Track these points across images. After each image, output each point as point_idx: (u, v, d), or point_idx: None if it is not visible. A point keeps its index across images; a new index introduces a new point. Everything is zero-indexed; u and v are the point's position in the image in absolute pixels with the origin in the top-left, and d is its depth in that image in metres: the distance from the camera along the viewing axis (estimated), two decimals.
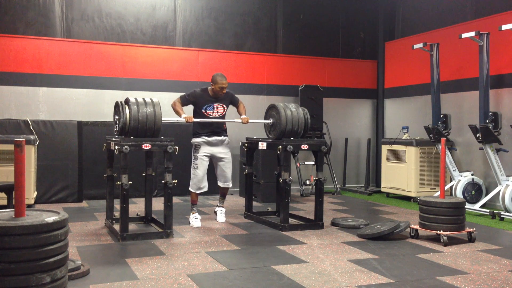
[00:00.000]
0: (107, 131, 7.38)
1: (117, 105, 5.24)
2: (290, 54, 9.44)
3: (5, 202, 5.70)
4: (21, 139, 2.76)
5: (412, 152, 7.91)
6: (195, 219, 5.83)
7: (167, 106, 7.79)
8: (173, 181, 5.12)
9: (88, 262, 4.11)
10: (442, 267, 4.16)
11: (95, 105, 8.13)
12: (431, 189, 7.91)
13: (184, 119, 5.65)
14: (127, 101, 5.14)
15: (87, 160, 7.59)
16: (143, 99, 5.20)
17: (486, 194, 7.17)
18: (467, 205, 6.49)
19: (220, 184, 6.08)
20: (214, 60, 8.83)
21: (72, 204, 7.33)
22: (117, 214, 5.40)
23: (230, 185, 6.14)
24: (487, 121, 6.73)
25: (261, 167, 7.71)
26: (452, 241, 4.98)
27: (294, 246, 4.81)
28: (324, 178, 5.84)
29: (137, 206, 6.92)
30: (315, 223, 5.70)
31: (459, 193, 7.21)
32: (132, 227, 5.45)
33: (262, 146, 5.95)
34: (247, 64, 9.13)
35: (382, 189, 8.65)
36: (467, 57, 7.72)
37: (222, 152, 5.97)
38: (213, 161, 5.99)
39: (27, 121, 7.28)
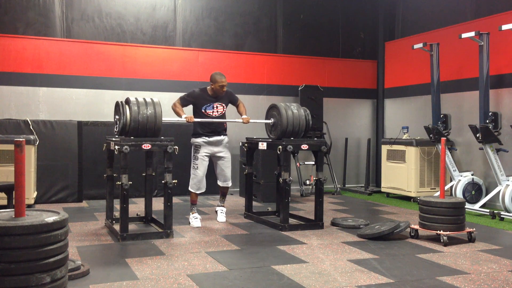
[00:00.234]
0: (107, 131, 7.38)
1: (117, 105, 5.24)
2: (290, 54, 9.44)
3: (5, 202, 5.70)
4: (21, 139, 2.76)
5: (412, 152, 7.91)
6: (195, 219, 5.82)
7: (167, 106, 7.79)
8: (173, 181, 5.12)
9: (88, 262, 4.11)
10: (442, 267, 4.16)
11: (95, 105, 8.13)
12: (431, 189, 7.91)
13: (185, 119, 5.65)
14: (127, 101, 5.13)
15: (87, 160, 7.59)
16: (144, 99, 5.20)
17: (486, 194, 7.17)
18: (467, 205, 6.49)
19: (220, 183, 6.09)
20: (214, 60, 8.83)
21: (72, 204, 7.33)
22: (117, 214, 5.40)
23: (230, 184, 6.15)
24: (487, 121, 6.73)
25: (261, 167, 7.71)
26: (452, 241, 4.98)
27: (294, 246, 4.81)
28: (324, 178, 5.84)
29: (137, 206, 6.92)
30: (315, 223, 5.70)
31: (459, 193, 7.21)
32: (132, 227, 5.45)
33: (262, 146, 5.95)
34: (247, 64, 9.13)
35: (382, 189, 8.65)
36: (467, 57, 7.71)
37: (221, 151, 5.97)
38: (213, 160, 6.00)
39: (27, 121, 7.28)
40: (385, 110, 9.84)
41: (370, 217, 6.44)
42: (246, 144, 6.34)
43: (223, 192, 6.20)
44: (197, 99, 5.86)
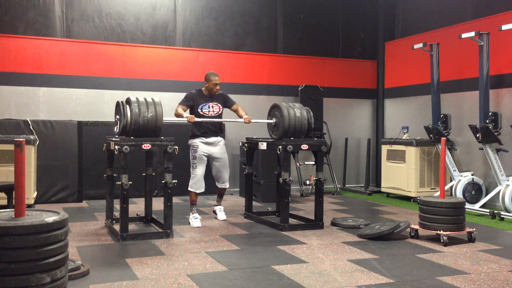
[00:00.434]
0: (107, 131, 7.37)
1: (118, 105, 5.24)
2: (290, 54, 9.44)
3: (5, 202, 5.70)
4: (21, 139, 2.76)
5: (412, 152, 7.91)
6: (195, 219, 5.83)
7: (167, 106, 7.80)
8: (173, 181, 5.12)
9: (88, 262, 4.11)
10: (442, 267, 4.16)
11: (95, 105, 8.13)
12: (431, 189, 7.91)
13: (185, 119, 5.67)
14: (128, 101, 5.13)
15: (87, 160, 7.59)
16: (145, 98, 5.20)
17: (486, 194, 7.17)
18: (467, 205, 6.49)
19: (218, 185, 6.15)
20: (214, 60, 8.83)
21: (72, 204, 7.33)
22: (117, 214, 5.40)
23: (228, 186, 6.20)
24: (487, 121, 6.73)
25: (261, 167, 7.71)
26: (452, 241, 4.98)
27: (294, 246, 4.81)
28: (324, 178, 5.84)
29: (137, 206, 6.92)
30: (315, 223, 5.70)
31: (459, 193, 7.21)
32: (132, 227, 5.45)
33: (262, 146, 5.95)
34: (247, 64, 9.13)
35: (382, 189, 8.65)
36: (467, 57, 7.71)
37: (218, 152, 6.03)
38: (209, 161, 6.04)
39: (27, 121, 7.28)
40: (385, 110, 9.84)
41: (370, 217, 6.44)
42: (246, 144, 6.34)
43: (220, 193, 6.27)
44: (194, 99, 5.95)
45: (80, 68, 8.08)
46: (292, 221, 5.85)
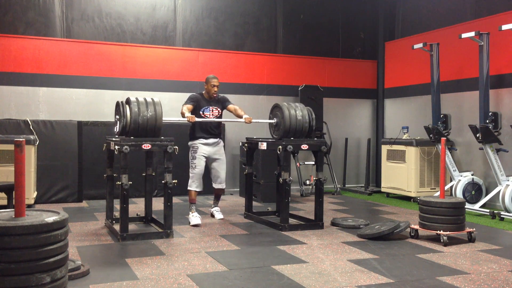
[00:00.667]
0: (107, 131, 7.38)
1: (118, 105, 5.25)
2: (290, 54, 9.44)
3: (5, 202, 5.70)
4: (21, 139, 2.76)
5: (412, 152, 7.91)
6: (194, 217, 5.87)
7: (167, 106, 7.81)
8: (173, 181, 5.13)
9: (88, 262, 4.11)
10: (442, 267, 4.16)
11: (95, 105, 8.12)
12: (431, 189, 7.91)
13: (186, 119, 5.69)
14: (128, 101, 5.14)
15: (87, 160, 7.59)
16: (144, 98, 5.21)
17: (486, 194, 7.17)
18: (467, 205, 6.49)
19: (214, 185, 6.18)
20: (214, 60, 8.83)
21: (72, 204, 7.33)
22: (117, 214, 5.40)
23: (224, 186, 6.25)
24: (487, 121, 6.73)
25: (261, 167, 7.71)
26: (452, 241, 4.98)
27: (294, 246, 4.81)
28: (324, 178, 5.84)
29: (137, 206, 6.92)
30: (315, 223, 5.70)
31: (459, 193, 7.20)
32: (132, 227, 5.45)
33: (262, 146, 5.95)
34: (247, 64, 9.13)
35: (382, 189, 8.65)
36: (467, 57, 7.71)
37: (217, 153, 6.10)
38: (208, 162, 6.10)
39: (27, 121, 7.28)
40: (385, 110, 9.84)
41: (370, 217, 6.44)
42: (246, 144, 6.34)
43: (217, 194, 6.33)
44: (197, 101, 6.02)
45: (80, 68, 8.07)
46: (292, 221, 5.85)
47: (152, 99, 5.24)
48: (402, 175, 8.06)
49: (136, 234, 5.08)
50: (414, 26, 9.23)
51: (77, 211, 6.74)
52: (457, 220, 4.95)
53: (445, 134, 7.45)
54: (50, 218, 2.72)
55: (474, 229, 5.13)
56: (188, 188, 5.98)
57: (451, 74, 8.06)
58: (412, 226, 5.22)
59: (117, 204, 5.30)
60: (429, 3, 8.89)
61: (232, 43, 9.09)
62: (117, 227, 5.20)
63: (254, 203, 6.81)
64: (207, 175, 6.22)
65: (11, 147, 6.30)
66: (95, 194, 7.61)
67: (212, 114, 6.05)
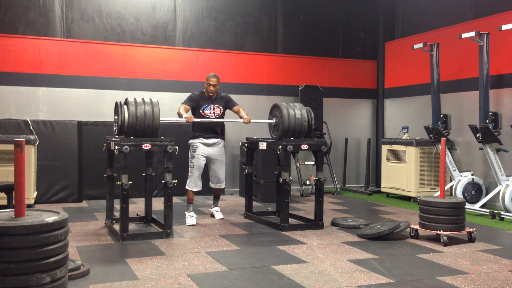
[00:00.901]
0: (107, 131, 7.37)
1: (116, 105, 5.27)
2: (290, 54, 9.44)
3: (5, 202, 5.70)
4: (21, 139, 2.76)
5: (412, 152, 7.91)
6: (190, 218, 5.89)
7: (167, 106, 7.81)
8: (173, 181, 5.13)
9: (88, 262, 4.11)
10: (442, 267, 4.16)
11: (95, 105, 8.12)
12: (431, 189, 7.91)
13: (184, 119, 5.69)
14: (126, 102, 5.18)
15: (87, 160, 7.59)
16: (142, 99, 5.24)
17: (486, 194, 7.17)
18: (467, 205, 6.49)
19: (212, 185, 6.19)
20: (214, 60, 8.83)
21: (72, 204, 7.33)
22: (117, 214, 5.40)
23: (223, 186, 6.24)
24: (487, 121, 6.73)
25: (261, 167, 7.71)
26: (452, 241, 4.98)
27: (294, 246, 4.81)
28: (324, 178, 5.84)
29: (137, 206, 6.92)
30: (315, 223, 5.70)
31: (459, 193, 7.20)
32: (132, 227, 5.45)
33: (262, 146, 5.95)
34: (247, 64, 9.13)
35: (382, 189, 8.65)
36: (467, 57, 7.71)
37: (217, 154, 6.08)
38: (207, 162, 6.10)
39: (27, 121, 7.28)
40: (385, 110, 9.84)
41: (370, 217, 6.44)
42: (246, 144, 6.34)
43: (216, 194, 6.34)
44: (197, 100, 6.01)
45: (80, 68, 8.07)
46: (292, 221, 5.85)
47: (150, 99, 5.26)
48: (402, 175, 8.06)
49: (136, 234, 5.08)
50: (414, 26, 9.23)
51: (77, 211, 6.74)
52: (457, 220, 4.95)
53: (445, 134, 7.45)
54: (50, 218, 2.72)
55: (474, 229, 5.13)
56: (186, 187, 5.99)
57: (451, 74, 8.06)
58: (412, 226, 5.22)
59: (117, 204, 5.30)
60: (429, 3, 8.89)
61: (232, 43, 9.09)
62: (117, 227, 5.20)
63: (254, 203, 6.81)
64: (207, 175, 6.22)
65: (11, 147, 6.30)
66: (95, 194, 7.61)
67: (214, 113, 6.01)
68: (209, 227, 5.76)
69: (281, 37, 9.41)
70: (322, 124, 9.14)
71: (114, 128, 5.35)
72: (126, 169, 4.98)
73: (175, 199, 6.29)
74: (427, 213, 5.02)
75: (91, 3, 8.19)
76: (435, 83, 7.69)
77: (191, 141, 6.06)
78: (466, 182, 7.29)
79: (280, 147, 5.54)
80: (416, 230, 5.18)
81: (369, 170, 9.27)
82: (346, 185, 9.48)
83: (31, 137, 6.71)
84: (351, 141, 9.69)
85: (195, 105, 6.00)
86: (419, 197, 5.96)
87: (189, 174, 5.98)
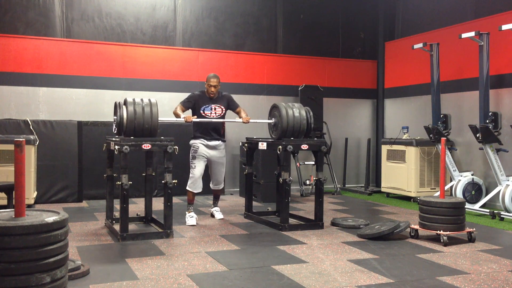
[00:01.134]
0: (107, 131, 7.38)
1: (115, 106, 5.28)
2: (290, 54, 9.44)
3: (5, 202, 5.70)
4: (21, 139, 2.76)
5: (412, 152, 7.91)
6: (190, 218, 5.89)
7: (167, 106, 7.80)
8: (173, 181, 5.13)
9: (88, 262, 4.11)
10: (442, 267, 4.16)
11: (95, 105, 8.12)
12: (431, 189, 7.91)
13: (183, 119, 5.69)
14: (125, 102, 5.21)
15: (87, 160, 7.59)
16: (141, 99, 5.27)
17: (486, 194, 7.17)
18: (467, 205, 6.49)
19: (212, 186, 6.21)
20: (214, 60, 8.83)
21: (72, 204, 7.33)
22: (117, 214, 5.40)
23: (222, 187, 6.26)
24: (487, 121, 6.73)
25: (261, 167, 7.71)
26: (452, 241, 4.98)
27: (294, 246, 4.81)
28: (324, 178, 5.84)
29: (137, 206, 6.92)
30: (315, 223, 5.70)
31: (459, 193, 7.20)
32: (132, 227, 5.45)
33: (262, 146, 5.95)
34: (247, 64, 9.13)
35: (382, 189, 8.65)
36: (467, 57, 7.71)
37: (218, 156, 6.08)
38: (208, 163, 6.09)
39: (27, 121, 7.28)
40: (385, 110, 9.84)
41: (370, 217, 6.44)
42: (246, 144, 6.34)
43: (216, 195, 6.35)
44: (196, 100, 6.00)
45: (80, 68, 8.08)
46: (292, 221, 5.85)
47: (149, 100, 5.27)
48: (402, 175, 8.06)
49: (136, 234, 5.08)
50: (414, 26, 9.23)
51: (77, 211, 6.74)
52: (457, 220, 4.95)
53: (445, 134, 7.45)
54: (50, 218, 2.72)
55: (474, 229, 5.13)
56: (187, 188, 5.97)
57: (451, 74, 8.06)
58: (412, 226, 5.22)
59: (117, 204, 5.30)
60: (429, 3, 8.89)
61: (232, 43, 9.09)
62: (117, 227, 5.20)
63: (254, 203, 6.81)
64: (207, 176, 6.22)
65: (11, 147, 6.30)
66: (95, 194, 7.61)
67: (215, 113, 5.99)
68: (209, 227, 5.76)
69: (281, 37, 9.41)
70: (322, 124, 9.15)
71: (114, 128, 5.36)
72: (126, 169, 4.98)
73: (175, 199, 6.29)
74: (427, 213, 5.02)
75: (91, 3, 8.20)
76: (435, 83, 7.69)
77: (192, 141, 6.03)
78: (466, 182, 7.29)
79: (280, 147, 5.54)
80: (416, 230, 5.18)
81: (369, 170, 9.27)
82: (346, 185, 9.48)
83: (31, 137, 6.71)
84: (351, 141, 9.69)
85: (193, 105, 5.98)
86: (419, 197, 5.96)
87: (190, 175, 5.95)
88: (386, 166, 8.48)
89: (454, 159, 7.77)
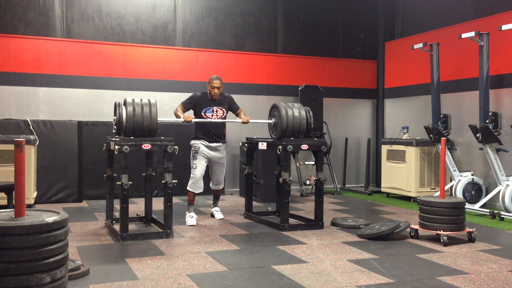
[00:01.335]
0: (107, 131, 7.37)
1: (115, 106, 5.29)
2: (290, 54, 9.44)
3: (5, 202, 5.70)
4: (21, 139, 2.77)
5: (412, 152, 7.91)
6: (190, 218, 5.89)
7: (167, 106, 7.81)
8: (173, 181, 5.13)
9: (88, 262, 4.11)
10: (442, 267, 4.16)
11: (95, 105, 8.12)
12: (431, 189, 7.91)
13: (183, 119, 5.69)
14: (124, 102, 5.22)
15: (87, 160, 7.59)
16: (141, 100, 5.28)
17: (486, 194, 7.17)
18: (467, 205, 6.49)
19: (212, 186, 6.22)
20: (214, 60, 8.83)
21: (72, 204, 7.33)
22: (117, 214, 5.40)
23: (222, 187, 6.26)
24: (487, 121, 6.73)
25: (261, 167, 7.71)
26: (452, 241, 4.98)
27: (294, 246, 4.81)
28: (324, 178, 5.84)
29: (137, 206, 6.92)
30: (315, 223, 5.70)
31: (459, 193, 7.20)
32: (132, 227, 5.45)
33: (262, 146, 5.95)
34: (247, 64, 9.13)
35: (382, 189, 8.65)
36: (467, 57, 7.71)
37: (218, 156, 6.09)
38: (209, 164, 6.10)
39: (27, 121, 7.28)
40: (385, 110, 9.84)
41: (370, 217, 6.44)
42: (246, 144, 6.34)
43: (216, 195, 6.35)
44: (198, 102, 6.00)
45: (80, 68, 8.08)
46: (292, 221, 5.85)
47: (148, 100, 5.28)
48: (402, 175, 8.06)
49: (136, 234, 5.08)
50: (414, 26, 9.23)
51: (77, 211, 6.74)
52: (457, 220, 4.95)
53: (445, 134, 7.45)
54: (50, 218, 2.72)
55: (474, 229, 5.13)
56: (188, 188, 5.97)
57: (451, 74, 8.06)
58: (412, 226, 5.22)
59: (117, 204, 5.30)
60: (429, 3, 8.89)
61: (232, 43, 9.09)
62: (117, 227, 5.20)
63: (254, 203, 6.81)
64: (208, 176, 6.22)
65: (11, 147, 6.30)
66: (95, 194, 7.61)
67: (216, 115, 5.99)
68: (209, 227, 5.76)
69: (281, 37, 9.41)
70: (322, 124, 9.15)
71: (113, 128, 5.36)
72: (126, 169, 4.98)
73: (175, 199, 6.30)
74: (427, 213, 5.02)
75: (91, 3, 8.19)
76: (435, 83, 7.69)
77: (193, 141, 6.02)
78: (466, 182, 7.29)
79: (280, 147, 5.54)
80: (416, 230, 5.18)
81: (369, 170, 9.27)
82: (346, 185, 9.48)
83: (31, 137, 6.71)
84: (351, 141, 9.69)
85: (194, 106, 5.98)
86: (419, 197, 5.96)
87: (191, 175, 5.94)
88: (386, 166, 8.48)
89: (454, 159, 7.77)
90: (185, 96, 6.28)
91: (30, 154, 6.56)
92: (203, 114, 5.95)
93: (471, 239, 5.05)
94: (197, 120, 5.87)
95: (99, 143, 6.47)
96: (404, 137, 8.33)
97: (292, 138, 5.72)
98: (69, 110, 7.97)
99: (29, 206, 6.41)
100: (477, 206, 6.81)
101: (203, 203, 7.39)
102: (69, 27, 8.07)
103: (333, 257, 4.43)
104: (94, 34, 8.23)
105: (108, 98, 8.08)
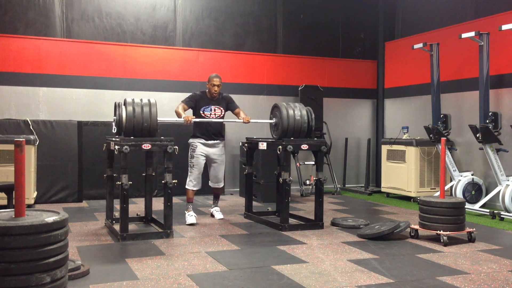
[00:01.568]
0: (107, 131, 7.37)
1: (115, 106, 5.29)
2: (290, 54, 9.44)
3: (5, 202, 5.70)
4: (21, 139, 2.77)
5: (412, 152, 7.91)
6: (190, 217, 5.90)
7: (167, 106, 7.81)
8: (173, 181, 5.13)
9: (88, 262, 4.11)
10: (442, 267, 4.16)
11: (95, 105, 8.12)
12: (431, 189, 7.91)
13: (183, 119, 5.69)
14: (124, 102, 5.22)
15: (87, 160, 7.60)
16: (141, 99, 5.28)
17: (486, 194, 7.17)
18: (467, 205, 6.49)
19: (211, 184, 6.22)
20: (214, 60, 8.83)
21: (72, 204, 7.33)
22: (117, 214, 5.40)
23: (221, 185, 6.26)
24: (487, 121, 6.73)
25: (261, 167, 7.71)
26: (452, 241, 4.98)
27: (294, 246, 4.81)
28: (324, 178, 5.84)
29: (137, 206, 6.92)
30: (315, 223, 5.70)
31: (459, 193, 7.20)
32: (132, 227, 5.45)
33: (262, 146, 5.95)
34: (247, 64, 9.13)
35: (382, 189, 8.65)
36: (467, 57, 7.71)
37: (217, 154, 6.09)
38: (207, 161, 6.10)
39: (27, 121, 7.28)
40: (385, 110, 9.84)
41: (370, 217, 6.44)
42: (246, 144, 6.34)
43: (216, 194, 6.35)
44: (197, 101, 6.00)
45: (80, 68, 8.08)
46: (292, 221, 5.85)
47: (148, 100, 5.28)
48: (402, 175, 8.06)
49: (136, 234, 5.08)
50: (414, 26, 9.23)
51: (77, 211, 6.74)
52: (457, 220, 4.95)
53: (445, 134, 7.45)
54: (50, 218, 2.72)
55: (474, 229, 5.13)
56: (186, 186, 5.99)
57: (451, 74, 8.06)
58: (412, 226, 5.22)
59: (117, 204, 5.30)
60: (429, 3, 8.89)
61: (232, 43, 9.09)
62: (117, 227, 5.20)
63: (254, 203, 6.81)
64: (207, 175, 6.22)
65: (11, 147, 6.30)
66: (95, 194, 7.61)
67: (214, 114, 6.01)
68: (209, 227, 5.76)
69: (281, 37, 9.41)
70: (322, 124, 9.14)
71: (113, 128, 5.36)
72: (126, 169, 4.98)
73: (175, 199, 6.30)
74: (427, 213, 5.03)
75: (91, 3, 8.19)
76: (435, 83, 7.69)
77: (190, 140, 6.05)
78: (466, 182, 7.29)
79: (280, 147, 5.54)
80: (416, 230, 5.18)
81: (369, 170, 9.27)
82: (346, 185, 9.48)
83: (31, 137, 6.71)
84: (351, 141, 9.69)
85: (194, 105, 6.00)
86: (419, 197, 5.96)
87: (189, 173, 5.98)
88: (386, 166, 8.48)
89: (454, 159, 7.77)
90: (184, 96, 6.27)
91: (30, 154, 6.56)
92: (201, 112, 5.96)
93: (471, 239, 5.05)
94: (197, 120, 5.86)
95: (99, 143, 6.47)
96: (404, 137, 8.33)
97: (292, 138, 5.72)
98: (69, 110, 7.97)
99: (29, 206, 6.41)
100: (477, 206, 6.81)
101: (203, 203, 7.39)
102: (69, 27, 8.07)
103: (333, 257, 4.43)
104: (94, 34, 8.23)
105: (108, 98, 8.08)
